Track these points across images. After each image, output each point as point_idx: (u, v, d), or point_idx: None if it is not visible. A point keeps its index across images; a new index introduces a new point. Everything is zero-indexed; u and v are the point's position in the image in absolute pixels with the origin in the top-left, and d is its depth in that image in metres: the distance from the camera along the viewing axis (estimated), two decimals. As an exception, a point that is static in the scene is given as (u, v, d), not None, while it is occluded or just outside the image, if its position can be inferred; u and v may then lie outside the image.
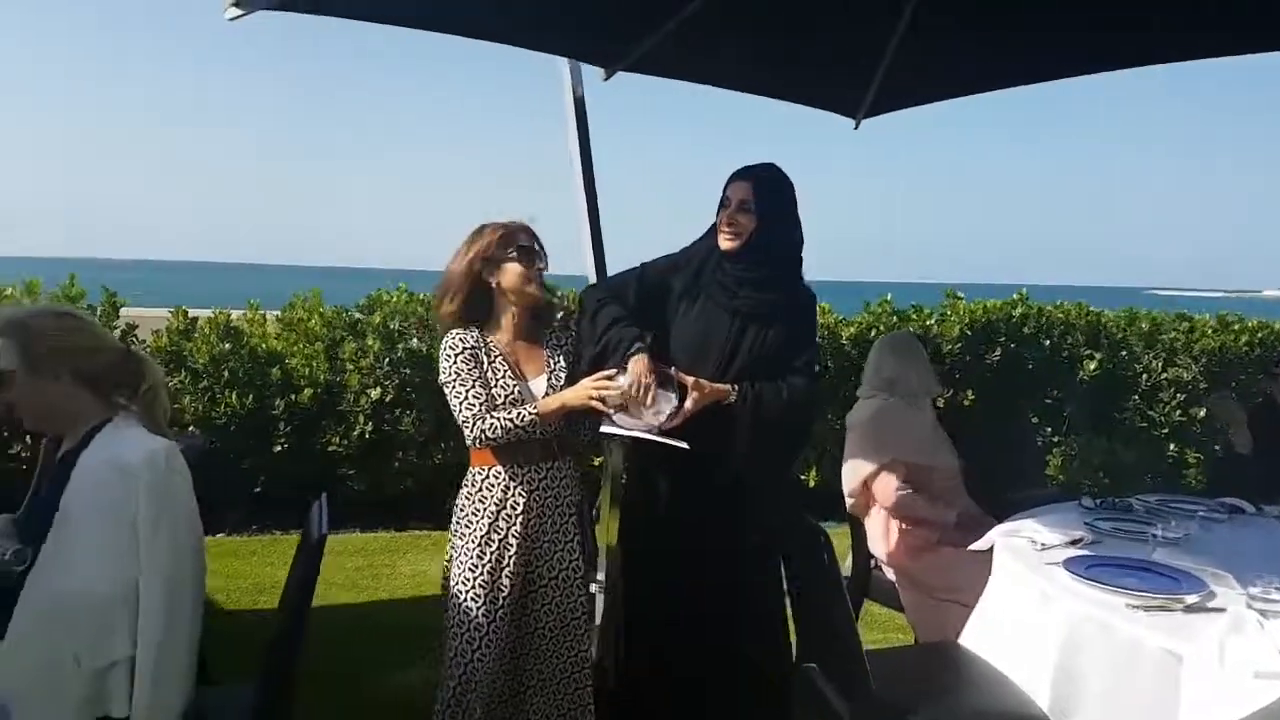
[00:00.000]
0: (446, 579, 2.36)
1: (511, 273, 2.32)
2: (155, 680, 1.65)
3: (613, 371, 2.30)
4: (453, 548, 2.36)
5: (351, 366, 4.91)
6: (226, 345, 4.76)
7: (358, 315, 5.14)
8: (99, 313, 4.65)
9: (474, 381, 2.27)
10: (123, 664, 1.66)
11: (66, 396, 1.75)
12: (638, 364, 2.29)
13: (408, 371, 4.96)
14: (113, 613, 1.66)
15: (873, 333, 5.61)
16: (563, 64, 3.44)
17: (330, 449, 4.89)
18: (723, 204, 2.47)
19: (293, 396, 4.81)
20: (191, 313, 4.95)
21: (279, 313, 5.17)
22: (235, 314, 5.03)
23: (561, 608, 2.38)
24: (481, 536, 2.29)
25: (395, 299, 5.19)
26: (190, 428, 4.60)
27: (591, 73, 3.48)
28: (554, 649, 2.38)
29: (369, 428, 4.90)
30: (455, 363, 2.28)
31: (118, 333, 4.65)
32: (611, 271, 3.50)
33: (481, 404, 2.26)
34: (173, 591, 1.68)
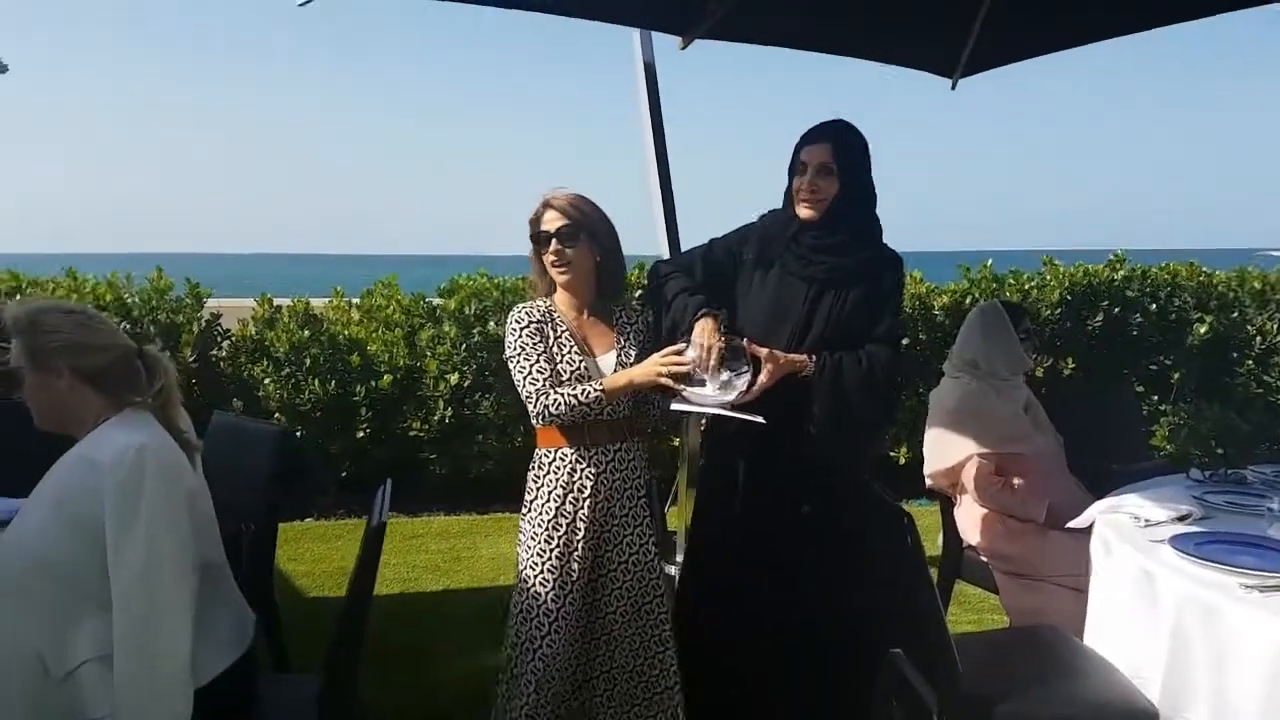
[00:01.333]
0: (518, 562, 2.32)
1: (539, 255, 2.27)
2: (136, 689, 1.57)
3: (681, 346, 2.19)
4: (522, 531, 2.31)
5: (429, 353, 4.94)
6: (307, 333, 4.85)
7: (436, 301, 5.17)
8: (184, 303, 4.81)
9: (538, 356, 2.20)
10: (92, 663, 1.60)
11: (70, 393, 1.70)
12: (703, 327, 2.19)
13: (485, 355, 4.97)
14: (68, 611, 1.61)
15: (967, 300, 5.36)
16: (633, 33, 3.36)
17: (412, 434, 4.95)
18: (797, 169, 2.31)
19: (373, 383, 4.88)
20: (276, 301, 5.07)
21: (358, 300, 5.25)
22: (316, 302, 5.12)
23: (634, 592, 2.30)
24: (549, 520, 2.23)
25: (474, 283, 5.19)
26: (275, 415, 4.72)
27: (666, 44, 3.36)
28: (627, 634, 2.31)
29: (449, 412, 4.93)
30: (520, 336, 2.22)
31: (201, 322, 4.80)
32: (685, 245, 3.41)
33: (545, 379, 2.18)
34: (149, 594, 1.59)
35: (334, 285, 5.35)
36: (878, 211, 2.41)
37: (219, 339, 4.89)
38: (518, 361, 2.22)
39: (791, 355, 2.24)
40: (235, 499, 2.31)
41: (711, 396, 2.17)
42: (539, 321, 2.24)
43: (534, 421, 2.24)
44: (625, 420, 2.29)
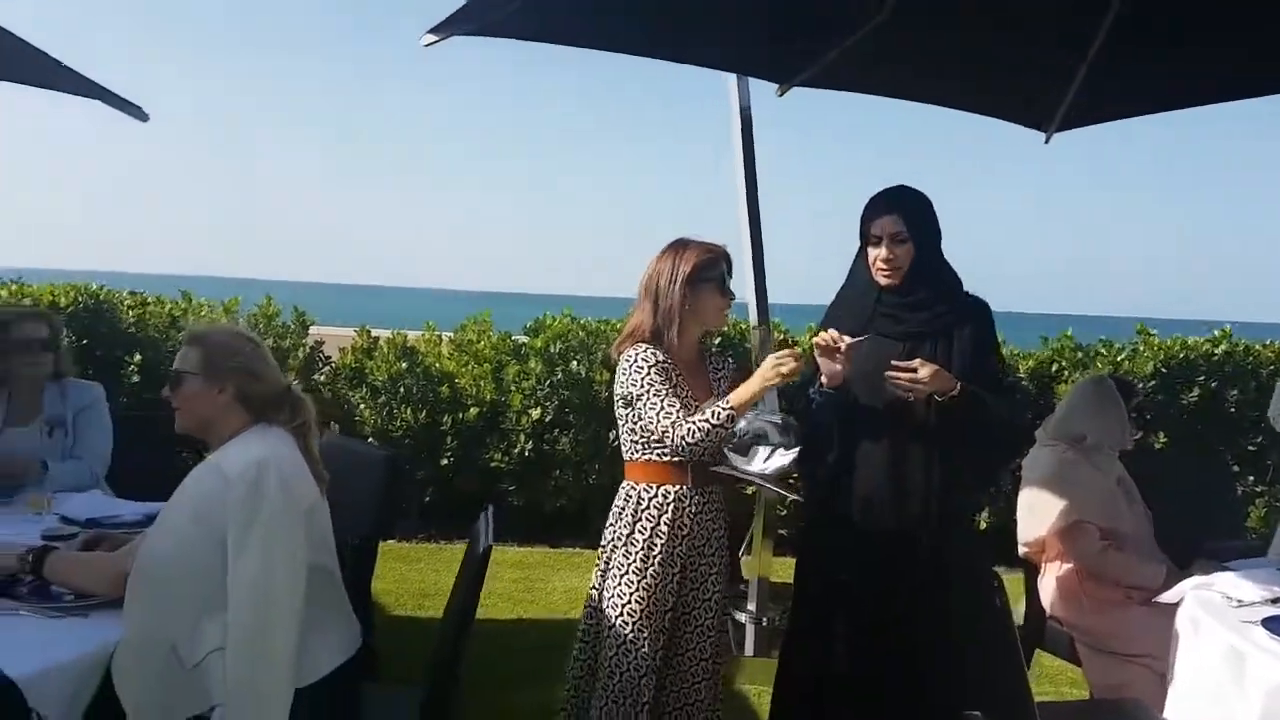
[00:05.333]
0: (597, 593, 2.38)
1: (707, 300, 2.34)
2: (243, 682, 1.70)
3: (797, 350, 2.27)
4: (606, 562, 2.37)
5: (514, 388, 5.10)
6: (403, 364, 5.06)
7: (522, 339, 5.34)
8: (290, 330, 5.07)
9: (668, 392, 2.28)
10: (217, 655, 1.72)
11: (224, 410, 1.87)
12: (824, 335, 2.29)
13: (566, 394, 5.10)
14: (197, 606, 1.74)
15: (1054, 367, 5.30)
16: (729, 79, 3.46)
17: (493, 465, 5.08)
18: (870, 241, 2.37)
19: (460, 414, 5.05)
20: (375, 332, 5.30)
21: (452, 334, 5.45)
22: (412, 335, 5.35)
23: (712, 630, 2.36)
24: (643, 554, 2.30)
25: (558, 323, 5.36)
26: (369, 439, 4.91)
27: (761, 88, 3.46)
28: (698, 673, 2.36)
29: (529, 446, 5.06)
30: (648, 374, 2.29)
31: (306, 349, 5.06)
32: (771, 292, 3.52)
33: (678, 410, 2.26)
34: (261, 598, 1.72)
35: (426, 320, 5.59)
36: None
37: (320, 365, 5.14)
38: (648, 397, 2.28)
39: (942, 370, 2.21)
40: (340, 514, 2.44)
41: (754, 465, 2.25)
42: (662, 363, 2.31)
43: (670, 452, 2.29)
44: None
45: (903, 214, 2.34)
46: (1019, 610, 3.08)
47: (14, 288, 5.28)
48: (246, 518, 1.73)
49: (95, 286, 5.28)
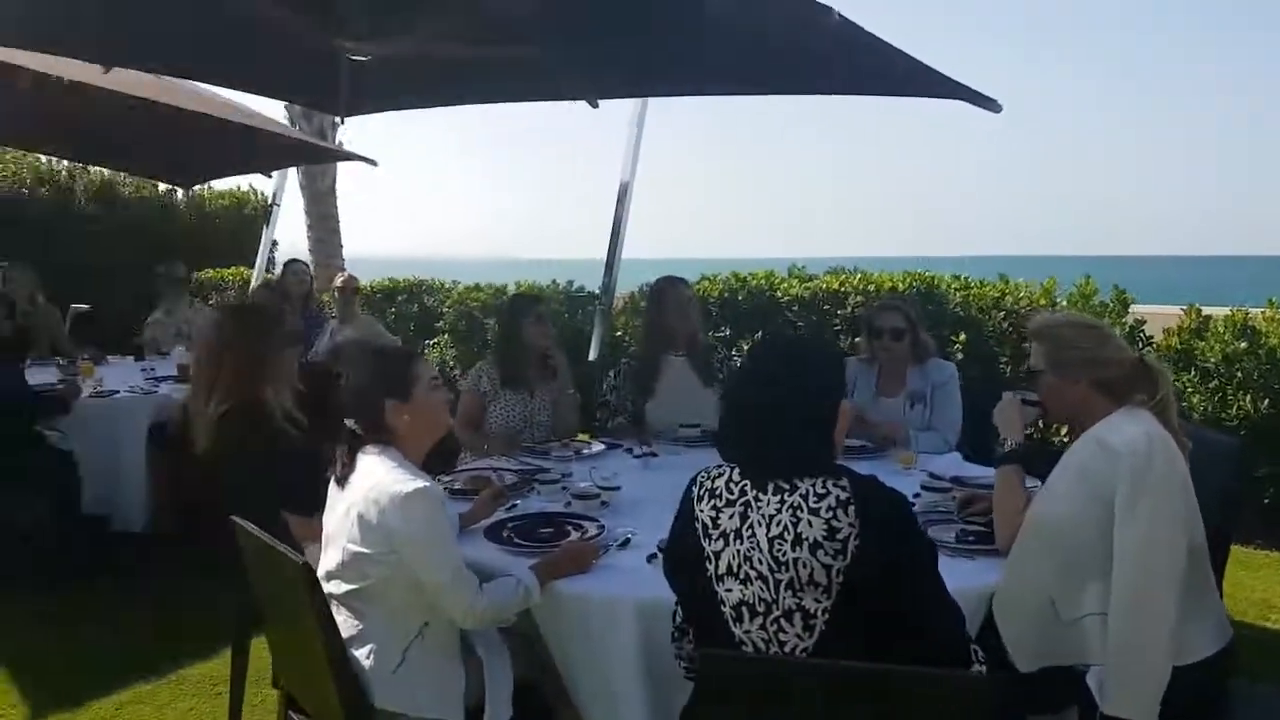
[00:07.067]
0: None
1: None
2: (1124, 643, 1.78)
3: None
4: None
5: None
6: (1242, 344, 4.54)
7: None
8: (1109, 310, 4.98)
9: None
10: (1095, 618, 1.83)
11: (1084, 399, 1.99)
12: None
13: None
14: (1080, 568, 1.87)
15: None
16: None
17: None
18: None
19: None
20: (1205, 310, 4.87)
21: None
22: (1254, 312, 4.75)
23: None
24: None
25: None
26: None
27: None
28: None
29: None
30: None
31: (1125, 329, 4.89)
32: None
33: None
34: (1144, 565, 1.78)
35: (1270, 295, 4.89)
36: None
37: (1141, 346, 4.93)
38: None
39: None
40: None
41: None
42: None
43: None
44: None
45: None
46: None
47: (859, 275, 6.18)
48: (1134, 488, 1.82)
49: (925, 272, 5.90)
